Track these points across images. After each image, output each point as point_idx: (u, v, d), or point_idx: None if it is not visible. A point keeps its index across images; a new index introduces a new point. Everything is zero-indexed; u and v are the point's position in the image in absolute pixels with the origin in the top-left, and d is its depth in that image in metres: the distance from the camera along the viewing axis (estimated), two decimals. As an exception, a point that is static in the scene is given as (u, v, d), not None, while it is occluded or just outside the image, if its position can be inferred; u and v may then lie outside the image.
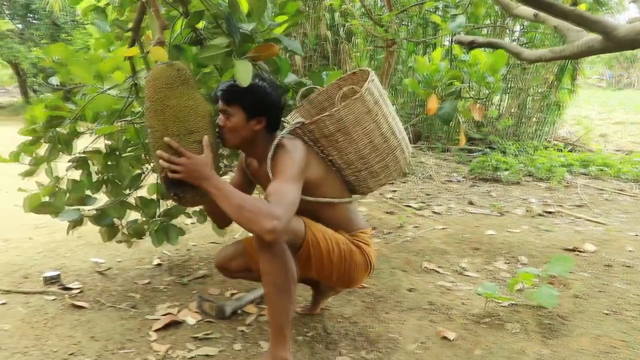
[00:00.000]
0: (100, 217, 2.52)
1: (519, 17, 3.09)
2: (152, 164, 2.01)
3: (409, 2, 6.68)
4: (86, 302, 2.58)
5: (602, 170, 6.58)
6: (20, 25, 13.68)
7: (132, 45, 2.24)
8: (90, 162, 2.47)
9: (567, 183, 6.03)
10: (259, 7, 2.11)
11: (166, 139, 1.76)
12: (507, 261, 3.44)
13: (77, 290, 2.72)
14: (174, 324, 2.37)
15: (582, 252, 3.61)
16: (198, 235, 3.72)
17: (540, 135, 7.93)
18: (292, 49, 2.22)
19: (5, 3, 13.64)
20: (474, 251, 3.60)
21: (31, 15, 13.78)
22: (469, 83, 3.26)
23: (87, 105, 2.25)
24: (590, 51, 2.59)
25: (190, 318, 2.42)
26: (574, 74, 7.46)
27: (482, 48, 3.29)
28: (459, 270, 3.24)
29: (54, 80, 2.42)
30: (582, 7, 2.92)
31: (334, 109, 2.06)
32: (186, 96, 1.80)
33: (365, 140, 2.12)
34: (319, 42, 7.49)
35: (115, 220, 2.60)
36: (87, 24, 2.59)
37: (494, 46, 3.26)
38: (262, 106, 1.97)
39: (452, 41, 3.49)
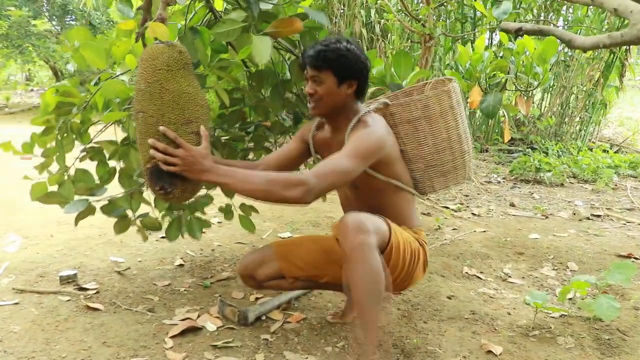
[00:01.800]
0: (109, 208, 2.35)
1: (572, 2, 2.82)
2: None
3: (447, -5, 6.43)
4: (101, 303, 2.42)
5: (652, 172, 6.21)
6: (57, 27, 13.80)
7: (143, 25, 2.07)
8: (105, 152, 2.31)
9: (615, 185, 5.68)
10: None
11: (161, 127, 1.58)
12: (555, 267, 3.17)
13: (93, 291, 2.56)
14: (193, 330, 2.18)
15: (637, 259, 3.31)
16: (224, 235, 3.54)
17: (584, 135, 7.55)
18: (319, 21, 2.00)
19: (44, 3, 13.80)
20: (518, 256, 3.33)
21: (68, 16, 13.90)
22: (515, 74, 3.01)
23: (97, 92, 2.08)
24: (655, 35, 2.32)
25: (210, 324, 2.23)
26: (621, 70, 7.07)
27: (530, 36, 3.02)
28: (502, 277, 2.99)
29: (71, 67, 2.27)
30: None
31: (424, 94, 2.06)
32: (187, 82, 1.63)
33: (444, 134, 2.07)
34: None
35: (128, 213, 2.43)
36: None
37: (543, 33, 3.00)
38: (353, 69, 1.89)
39: (495, 31, 3.24)
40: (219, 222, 3.80)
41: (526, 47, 2.89)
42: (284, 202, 1.65)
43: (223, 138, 2.62)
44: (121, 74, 2.14)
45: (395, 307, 2.47)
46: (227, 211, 2.86)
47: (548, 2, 6.66)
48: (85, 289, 2.57)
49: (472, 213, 4.44)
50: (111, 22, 12.98)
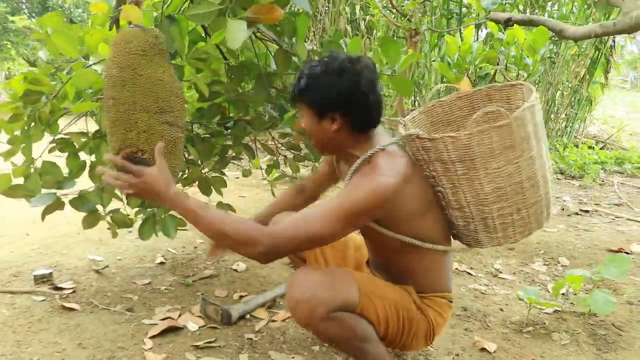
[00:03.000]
0: (79, 202, 2.23)
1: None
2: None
3: (433, -9, 6.38)
4: (77, 303, 2.31)
5: (638, 168, 6.19)
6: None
7: (117, 9, 1.96)
8: (75, 144, 2.20)
9: (602, 181, 5.65)
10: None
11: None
12: (546, 262, 3.11)
13: (70, 290, 2.44)
14: (173, 330, 2.08)
15: (628, 253, 3.26)
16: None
17: (569, 132, 7.53)
18: (299, 5, 1.88)
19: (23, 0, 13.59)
20: (508, 252, 3.27)
21: (49, 12, 13.71)
22: (505, 65, 2.94)
23: (68, 82, 1.96)
24: (649, 23, 2.27)
25: (192, 323, 2.13)
26: (606, 67, 7.06)
27: (520, 26, 2.96)
28: (493, 272, 2.92)
29: (42, 55, 2.16)
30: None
31: (463, 132, 1.48)
32: (162, 69, 1.52)
33: (493, 184, 1.52)
34: (338, 37, 7.19)
35: (99, 208, 2.31)
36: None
37: (533, 23, 2.93)
38: (330, 98, 1.51)
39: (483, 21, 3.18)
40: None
41: (516, 37, 2.83)
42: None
43: (202, 134, 2.51)
44: (94, 64, 2.03)
45: (384, 304, 2.39)
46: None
47: (534, -2, 6.62)
48: (61, 289, 2.45)
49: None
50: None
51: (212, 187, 2.61)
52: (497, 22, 2.95)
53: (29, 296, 2.37)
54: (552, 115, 7.56)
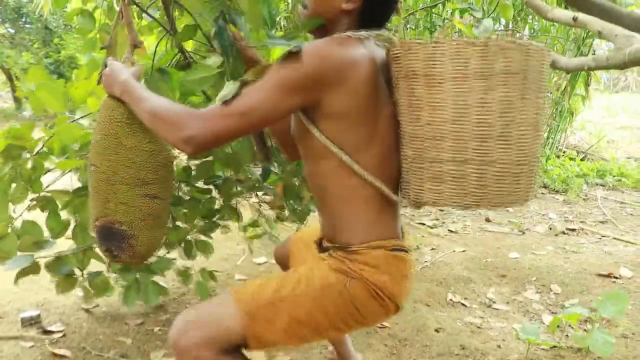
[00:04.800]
0: (56, 265, 2.14)
1: (554, 21, 2.77)
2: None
3: (416, 5, 6.39)
4: (68, 349, 2.24)
5: (619, 180, 6.28)
6: (11, 30, 13.31)
7: (106, 66, 1.91)
8: (57, 202, 2.11)
9: (585, 196, 5.71)
10: (255, 13, 1.65)
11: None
12: (538, 290, 3.12)
13: (59, 334, 2.37)
14: (170, 380, 2.04)
15: (617, 278, 3.29)
16: (197, 262, 3.36)
17: (552, 143, 7.60)
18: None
19: (-4, 7, 13.29)
20: (501, 279, 3.27)
21: (23, 20, 13.43)
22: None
23: (53, 137, 1.89)
24: (643, 60, 2.27)
25: (189, 371, 2.08)
26: (587, 79, 7.14)
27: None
28: (487, 303, 2.91)
29: (26, 113, 2.08)
30: (632, 7, 2.61)
31: (439, 39, 1.22)
32: (148, 137, 1.48)
33: (460, 112, 1.20)
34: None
35: (76, 271, 2.22)
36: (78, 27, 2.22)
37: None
38: None
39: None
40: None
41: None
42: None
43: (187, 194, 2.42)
44: (80, 118, 1.96)
45: (382, 344, 2.37)
46: (184, 276, 2.69)
47: (516, 12, 6.66)
48: (50, 332, 2.38)
49: (449, 230, 4.37)
50: (68, 26, 12.58)
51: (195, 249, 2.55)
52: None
53: (17, 342, 2.30)
54: (534, 127, 7.62)
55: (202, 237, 2.55)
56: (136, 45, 1.60)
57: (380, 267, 1.33)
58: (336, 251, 1.38)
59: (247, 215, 2.75)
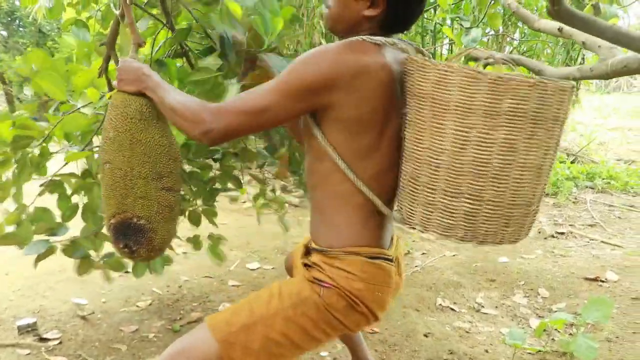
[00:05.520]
0: (71, 249, 2.20)
1: (540, 31, 2.84)
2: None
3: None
4: (65, 356, 2.29)
5: (608, 183, 6.35)
6: (4, 33, 13.28)
7: (106, 61, 1.97)
8: (66, 186, 2.17)
9: (575, 199, 5.78)
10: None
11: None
12: (526, 294, 3.18)
13: (56, 341, 2.42)
14: (165, 386, 2.08)
15: (604, 281, 3.36)
16: (191, 267, 3.42)
17: (542, 146, 7.69)
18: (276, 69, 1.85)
19: (-11, 10, 13.26)
20: (490, 283, 3.33)
21: (16, 23, 13.41)
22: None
23: (57, 125, 1.95)
24: (625, 71, 2.34)
25: (183, 378, 2.13)
26: (577, 83, 7.23)
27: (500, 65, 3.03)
28: (476, 307, 2.97)
29: (27, 91, 2.13)
30: (613, 21, 2.68)
31: (452, 61, 1.23)
32: (160, 132, 1.52)
33: (458, 145, 1.18)
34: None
35: (92, 252, 2.28)
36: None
37: (514, 63, 3.00)
38: None
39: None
40: (184, 252, 3.67)
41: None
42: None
43: (188, 168, 2.49)
44: (83, 107, 2.02)
45: (372, 349, 2.42)
46: (195, 242, 2.74)
47: (507, 16, 6.74)
48: (47, 340, 2.43)
49: (440, 234, 4.42)
50: (62, 30, 12.57)
51: (203, 217, 2.60)
52: (477, 60, 3.02)
53: (13, 349, 2.34)
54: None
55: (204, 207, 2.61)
56: (140, 44, 1.65)
57: (356, 274, 1.33)
58: (317, 254, 1.39)
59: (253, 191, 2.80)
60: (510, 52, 7.36)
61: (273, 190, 2.87)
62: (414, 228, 1.31)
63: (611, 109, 15.26)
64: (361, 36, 1.32)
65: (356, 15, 1.36)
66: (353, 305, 1.34)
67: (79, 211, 2.25)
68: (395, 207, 1.40)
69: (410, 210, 1.30)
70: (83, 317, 2.67)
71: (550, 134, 1.19)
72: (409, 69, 1.27)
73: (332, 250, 1.36)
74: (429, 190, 1.24)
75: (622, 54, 2.39)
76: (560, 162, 7.20)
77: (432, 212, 1.24)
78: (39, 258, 2.16)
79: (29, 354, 2.31)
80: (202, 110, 1.30)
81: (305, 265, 1.42)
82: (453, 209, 1.21)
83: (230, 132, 1.30)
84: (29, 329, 2.50)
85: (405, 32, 1.46)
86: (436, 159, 1.21)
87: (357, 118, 1.29)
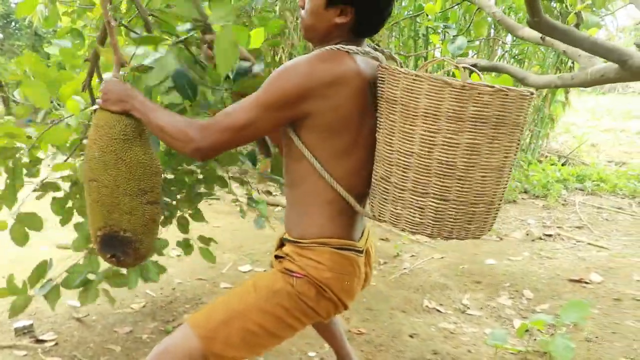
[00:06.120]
0: (70, 280, 2.26)
1: (524, 39, 2.91)
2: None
3: (400, 14, 6.52)
4: (60, 357, 2.36)
5: (598, 185, 6.44)
6: (0, 35, 13.34)
7: (90, 76, 2.04)
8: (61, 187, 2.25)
9: (564, 201, 5.87)
10: (226, 58, 1.62)
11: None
12: (511, 296, 3.26)
13: (52, 343, 2.49)
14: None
15: (588, 283, 3.44)
16: (184, 270, 3.49)
17: (534, 148, 7.79)
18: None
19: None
20: (476, 285, 3.41)
21: (12, 26, 13.46)
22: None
23: (42, 136, 2.04)
24: (603, 80, 2.42)
25: (175, 378, 2.20)
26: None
27: (485, 72, 3.11)
28: (461, 309, 3.05)
29: (17, 94, 2.20)
30: (592, 32, 2.76)
31: (422, 70, 1.32)
32: (142, 150, 1.60)
33: (426, 148, 1.27)
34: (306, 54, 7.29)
35: (90, 276, 2.33)
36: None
37: (498, 70, 3.08)
38: None
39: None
40: (177, 255, 3.75)
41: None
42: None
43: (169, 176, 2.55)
44: (67, 118, 2.10)
45: (358, 349, 2.50)
46: (185, 245, 2.82)
47: (497, 20, 6.82)
48: (43, 341, 2.50)
49: (430, 236, 4.50)
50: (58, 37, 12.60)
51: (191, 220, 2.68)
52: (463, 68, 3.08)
53: (11, 351, 2.42)
54: (517, 132, 7.79)
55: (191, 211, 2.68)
56: (122, 64, 1.72)
57: (324, 263, 1.43)
58: (289, 245, 1.49)
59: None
60: (502, 56, 7.45)
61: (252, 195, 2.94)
62: (385, 222, 1.42)
63: (605, 111, 15.34)
64: (334, 45, 1.41)
65: (327, 23, 1.44)
66: (322, 293, 1.44)
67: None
68: (367, 204, 1.51)
69: (381, 208, 1.41)
70: (78, 319, 2.74)
71: (511, 137, 1.29)
72: (380, 76, 1.36)
73: (304, 241, 1.45)
74: (398, 189, 1.34)
75: (601, 64, 2.47)
76: (551, 165, 7.30)
77: (401, 210, 1.35)
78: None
79: (25, 355, 2.38)
80: (189, 129, 1.39)
81: (277, 257, 1.54)
82: (421, 208, 1.32)
83: (219, 148, 1.40)
84: (26, 331, 2.57)
85: (374, 34, 1.52)
86: (405, 161, 1.31)
87: (333, 123, 1.38)
